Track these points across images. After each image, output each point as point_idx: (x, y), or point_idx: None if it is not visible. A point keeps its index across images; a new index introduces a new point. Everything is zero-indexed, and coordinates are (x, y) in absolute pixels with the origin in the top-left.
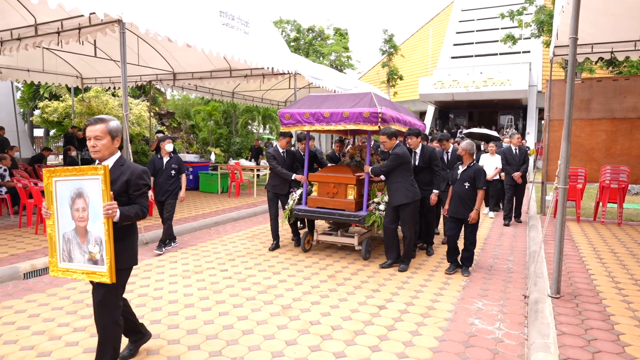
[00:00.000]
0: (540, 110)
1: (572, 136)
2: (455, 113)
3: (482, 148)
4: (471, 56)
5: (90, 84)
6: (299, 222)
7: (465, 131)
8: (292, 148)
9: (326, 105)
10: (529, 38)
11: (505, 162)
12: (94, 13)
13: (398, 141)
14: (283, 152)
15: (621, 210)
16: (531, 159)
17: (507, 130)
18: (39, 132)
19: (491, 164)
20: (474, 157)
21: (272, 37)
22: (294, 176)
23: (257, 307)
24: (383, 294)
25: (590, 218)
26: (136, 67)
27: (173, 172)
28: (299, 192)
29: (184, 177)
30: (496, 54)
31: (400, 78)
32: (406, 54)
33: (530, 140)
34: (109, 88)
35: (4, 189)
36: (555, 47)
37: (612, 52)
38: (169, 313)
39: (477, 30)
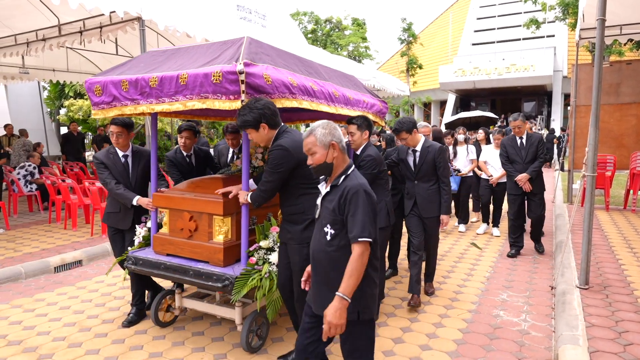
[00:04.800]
0: (566, 96)
1: (600, 122)
2: (477, 101)
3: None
4: (493, 42)
5: None
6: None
7: (450, 119)
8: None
9: (167, 66)
10: (553, 21)
11: (505, 158)
12: (114, 11)
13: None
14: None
15: None
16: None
17: (535, 120)
18: (65, 130)
19: (497, 160)
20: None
21: (290, 30)
22: (135, 200)
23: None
24: (405, 285)
25: (620, 206)
26: None
27: None
28: (149, 224)
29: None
30: (519, 39)
31: (420, 67)
32: (425, 42)
33: (557, 127)
34: None
35: (34, 186)
36: (581, 29)
37: None
38: None
39: (498, 16)
